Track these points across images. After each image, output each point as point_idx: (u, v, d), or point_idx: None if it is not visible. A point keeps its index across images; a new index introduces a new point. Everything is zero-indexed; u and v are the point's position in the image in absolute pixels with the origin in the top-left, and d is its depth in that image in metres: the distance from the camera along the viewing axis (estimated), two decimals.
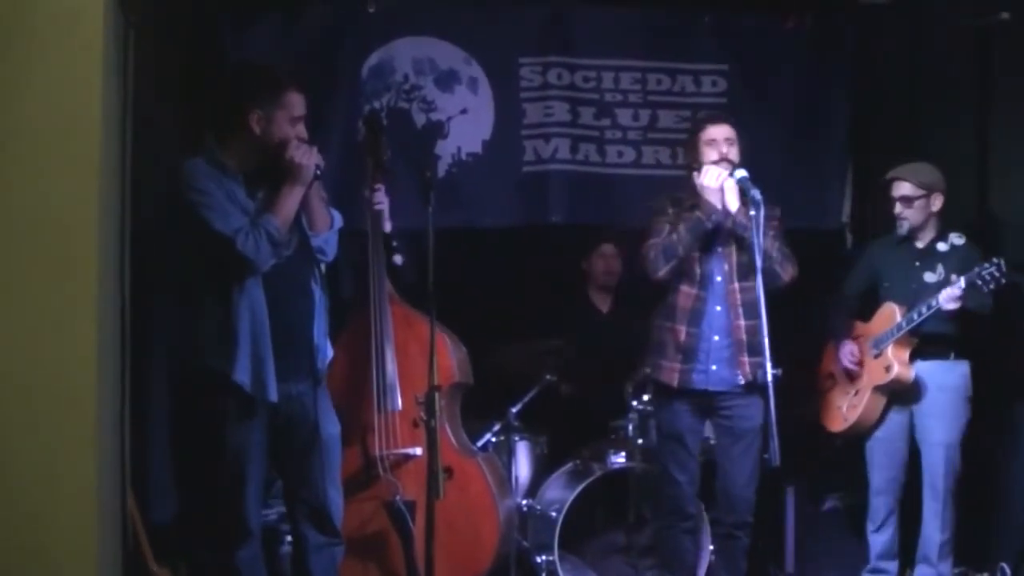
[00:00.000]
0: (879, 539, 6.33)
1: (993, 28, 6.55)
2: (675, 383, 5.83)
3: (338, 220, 5.20)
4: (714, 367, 5.82)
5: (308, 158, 4.89)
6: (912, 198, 6.20)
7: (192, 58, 6.43)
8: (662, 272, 5.80)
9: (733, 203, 5.70)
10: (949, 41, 6.90)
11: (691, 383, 5.82)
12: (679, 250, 5.76)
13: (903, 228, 6.26)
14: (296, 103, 4.95)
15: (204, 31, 6.64)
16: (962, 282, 5.86)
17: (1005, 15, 6.44)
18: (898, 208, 6.24)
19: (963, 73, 6.84)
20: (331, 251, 5.15)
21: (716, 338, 5.82)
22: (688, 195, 5.87)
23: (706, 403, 5.87)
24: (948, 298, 5.90)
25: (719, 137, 5.79)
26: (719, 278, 5.84)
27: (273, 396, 4.88)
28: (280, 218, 4.84)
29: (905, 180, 6.21)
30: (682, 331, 5.82)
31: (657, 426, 6.13)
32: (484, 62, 7.19)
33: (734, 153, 5.78)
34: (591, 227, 7.45)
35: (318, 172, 4.95)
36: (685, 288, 5.84)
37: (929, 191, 6.19)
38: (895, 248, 6.37)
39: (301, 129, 4.97)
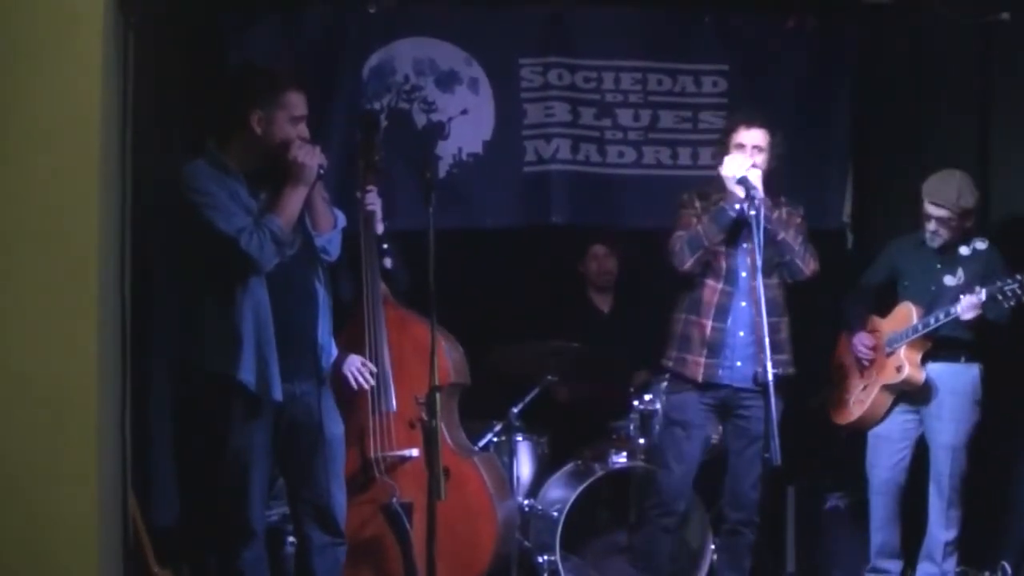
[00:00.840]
0: (878, 538, 6.33)
1: (994, 28, 6.56)
2: (700, 377, 5.85)
3: (341, 220, 5.20)
4: (739, 363, 5.84)
5: (311, 158, 4.89)
6: (950, 220, 6.16)
7: (192, 59, 6.43)
8: (688, 264, 5.81)
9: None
10: (950, 41, 6.90)
11: (716, 378, 5.84)
12: (704, 240, 5.77)
13: (935, 243, 6.23)
14: (296, 103, 4.94)
15: (204, 32, 6.64)
16: (983, 294, 5.86)
17: (1005, 15, 6.44)
18: (933, 226, 6.19)
19: (964, 73, 6.85)
20: (335, 251, 5.15)
21: (741, 334, 5.83)
22: (715, 190, 5.89)
23: (726, 400, 5.87)
24: (967, 307, 5.89)
25: (747, 143, 5.80)
26: (744, 274, 5.86)
27: (278, 396, 4.87)
28: (283, 218, 4.84)
29: (945, 207, 6.13)
30: (708, 326, 5.83)
31: (665, 413, 6.11)
32: (485, 62, 7.18)
33: (760, 160, 5.78)
34: (588, 228, 7.44)
35: (321, 172, 4.94)
36: (711, 283, 5.85)
37: (966, 213, 6.17)
38: (917, 248, 6.36)
39: (303, 129, 4.96)
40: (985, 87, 6.74)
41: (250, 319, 4.84)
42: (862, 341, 6.40)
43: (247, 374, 4.83)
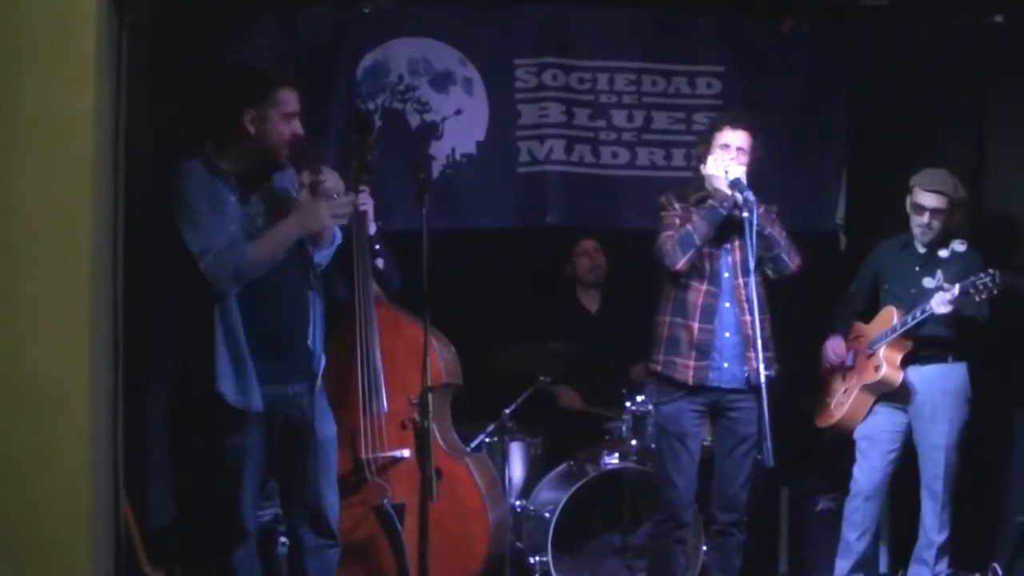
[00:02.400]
0: (860, 547, 6.35)
1: (988, 30, 6.57)
2: (690, 380, 5.81)
3: (338, 237, 5.17)
4: (726, 364, 5.80)
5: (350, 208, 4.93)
6: (944, 211, 6.19)
7: (187, 59, 6.42)
8: (681, 264, 5.77)
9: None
10: (945, 43, 6.91)
11: (706, 380, 5.80)
12: (695, 239, 5.74)
13: (927, 238, 6.25)
14: (288, 100, 4.91)
15: (199, 32, 6.63)
16: (956, 289, 5.88)
17: (999, 18, 6.45)
18: (927, 218, 6.21)
19: (959, 75, 6.85)
20: (325, 261, 5.14)
21: (727, 335, 5.81)
22: (693, 189, 5.89)
23: (715, 402, 5.85)
24: (940, 302, 5.93)
25: (732, 144, 5.77)
26: (727, 274, 5.83)
27: (257, 406, 4.85)
28: (261, 251, 4.79)
29: (943, 194, 6.17)
30: (695, 328, 5.80)
31: (659, 425, 6.10)
32: (479, 63, 7.18)
33: (743, 161, 5.77)
34: (576, 229, 7.43)
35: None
36: (696, 284, 5.82)
37: (958, 206, 6.20)
38: (898, 251, 6.40)
39: (296, 125, 4.93)
40: (980, 89, 6.75)
41: (221, 330, 4.81)
42: (833, 348, 6.46)
43: (225, 386, 4.81)
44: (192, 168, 4.85)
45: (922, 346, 6.20)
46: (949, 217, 6.20)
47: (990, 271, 5.84)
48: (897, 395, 6.26)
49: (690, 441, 5.86)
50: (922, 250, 6.29)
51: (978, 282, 5.84)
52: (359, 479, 5.68)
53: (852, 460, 6.41)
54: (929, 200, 6.19)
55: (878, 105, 7.47)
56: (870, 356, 6.30)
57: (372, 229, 5.81)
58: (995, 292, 5.84)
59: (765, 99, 7.32)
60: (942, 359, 6.23)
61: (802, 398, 6.69)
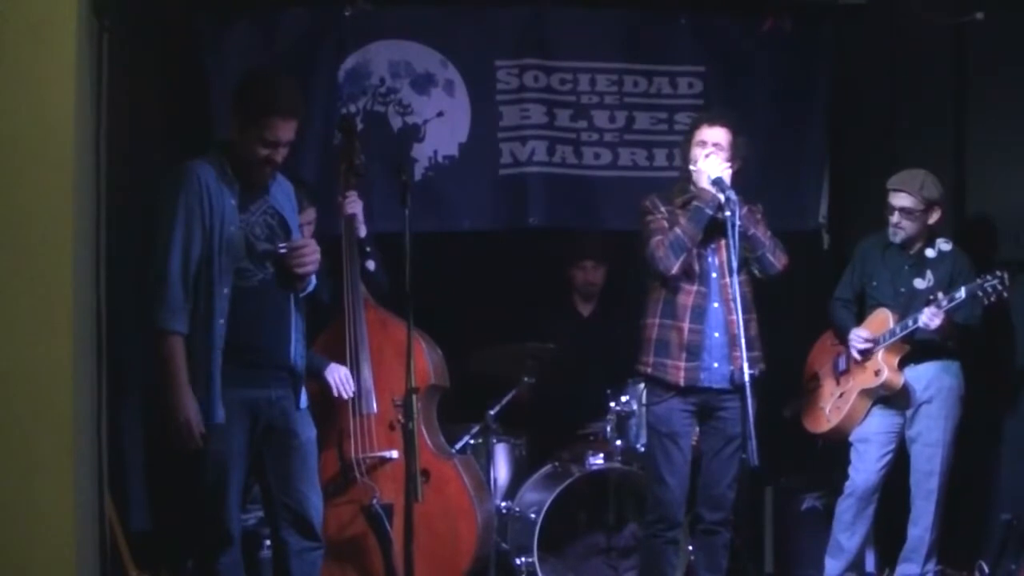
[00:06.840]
0: (852, 544, 6.33)
1: (968, 28, 6.58)
2: (682, 382, 5.81)
3: (312, 284, 5.17)
4: (716, 364, 5.81)
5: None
6: (913, 211, 6.18)
7: (167, 62, 6.40)
8: (676, 268, 5.78)
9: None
10: (925, 41, 6.92)
11: (697, 381, 5.81)
12: (686, 242, 5.75)
13: (897, 237, 6.25)
14: (277, 128, 4.84)
15: (179, 36, 6.62)
16: (963, 292, 5.88)
17: (979, 15, 6.46)
18: (896, 218, 6.21)
19: (939, 72, 6.87)
20: (305, 293, 5.17)
21: (716, 335, 5.82)
22: (678, 191, 5.90)
23: (705, 402, 5.85)
24: (931, 316, 5.93)
25: (709, 141, 5.80)
26: (714, 274, 5.85)
27: (219, 417, 4.83)
28: (162, 350, 4.78)
29: (908, 193, 6.17)
30: (685, 329, 5.81)
31: (650, 425, 6.09)
32: (460, 65, 7.16)
33: (722, 157, 5.77)
34: (572, 232, 7.40)
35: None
36: (686, 286, 5.83)
37: (930, 206, 6.18)
38: (884, 251, 6.38)
39: (279, 153, 4.88)
40: (960, 87, 6.77)
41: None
42: (859, 334, 6.31)
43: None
44: (198, 167, 4.83)
45: (918, 348, 6.18)
46: (922, 217, 6.19)
47: (998, 273, 5.82)
48: (896, 398, 6.25)
49: (682, 440, 5.86)
50: (909, 250, 6.27)
51: (986, 285, 5.82)
52: (348, 479, 5.71)
53: (841, 462, 6.40)
54: (896, 200, 6.20)
55: (859, 103, 7.48)
56: (867, 360, 6.29)
57: (363, 232, 5.82)
58: (1005, 295, 5.84)
59: (746, 98, 7.32)
60: (937, 357, 6.21)
61: (788, 399, 6.67)
